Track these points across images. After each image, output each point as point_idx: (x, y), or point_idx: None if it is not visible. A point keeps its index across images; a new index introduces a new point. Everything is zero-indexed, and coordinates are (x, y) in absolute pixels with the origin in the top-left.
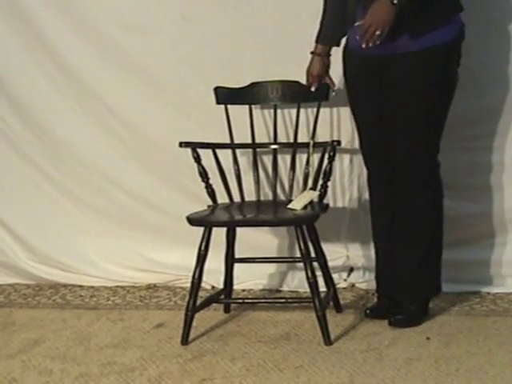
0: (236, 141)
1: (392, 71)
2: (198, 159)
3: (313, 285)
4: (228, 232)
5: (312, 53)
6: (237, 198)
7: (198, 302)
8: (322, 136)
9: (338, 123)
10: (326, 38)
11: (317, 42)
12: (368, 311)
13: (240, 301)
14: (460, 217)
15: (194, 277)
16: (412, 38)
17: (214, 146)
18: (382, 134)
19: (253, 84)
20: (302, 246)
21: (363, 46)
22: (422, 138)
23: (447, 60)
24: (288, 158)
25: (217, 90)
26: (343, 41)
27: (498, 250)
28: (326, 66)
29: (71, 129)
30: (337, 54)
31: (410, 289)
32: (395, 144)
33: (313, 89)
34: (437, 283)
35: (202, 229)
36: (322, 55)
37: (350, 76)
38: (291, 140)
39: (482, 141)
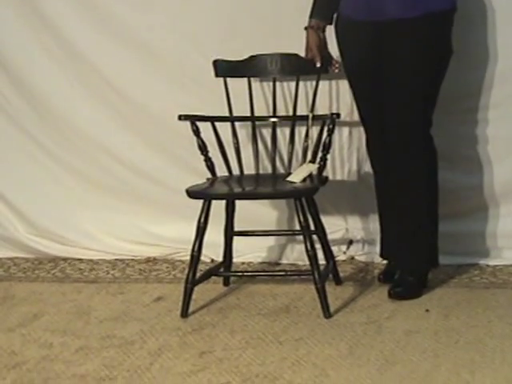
0: (235, 114)
1: (388, 38)
2: (197, 132)
3: (312, 257)
4: (227, 205)
5: (306, 28)
6: (236, 171)
7: (198, 275)
8: (322, 109)
9: (337, 96)
10: (319, 14)
11: (310, 17)
12: (381, 276)
13: (239, 274)
14: (458, 189)
15: (193, 250)
16: None
17: (212, 119)
18: (378, 103)
19: (252, 57)
20: (302, 219)
21: None
22: (415, 108)
23: (444, 28)
24: (287, 130)
25: (216, 62)
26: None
27: (497, 222)
28: (323, 41)
29: (70, 102)
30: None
31: (406, 258)
32: (389, 114)
33: (318, 64)
34: (434, 256)
35: (201, 202)
36: (315, 28)
37: (345, 45)
38: (290, 113)
39: (478, 113)
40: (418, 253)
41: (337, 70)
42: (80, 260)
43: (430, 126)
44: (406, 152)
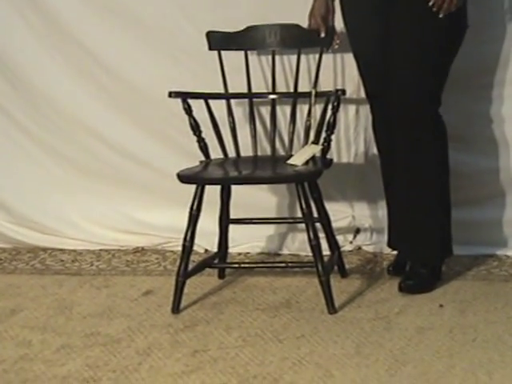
0: (231, 90)
1: (397, 7)
2: (189, 110)
3: (315, 248)
4: (222, 190)
5: None
6: (232, 153)
7: (190, 266)
8: (325, 85)
9: (342, 70)
10: None
11: None
12: (391, 268)
13: (236, 265)
14: (473, 172)
15: (185, 239)
16: None
17: (206, 96)
18: (384, 79)
19: (249, 28)
20: (304, 206)
21: (440, 15)
22: (424, 84)
23: None
24: (288, 108)
25: (209, 34)
26: None
27: None
28: (331, 10)
29: (50, 78)
30: None
31: (417, 249)
32: (394, 90)
33: (322, 35)
34: (447, 245)
35: (193, 187)
36: None
37: (349, 14)
38: (291, 89)
39: (494, 89)
40: (430, 242)
41: (336, 46)
42: (61, 250)
43: (439, 104)
44: (413, 132)
